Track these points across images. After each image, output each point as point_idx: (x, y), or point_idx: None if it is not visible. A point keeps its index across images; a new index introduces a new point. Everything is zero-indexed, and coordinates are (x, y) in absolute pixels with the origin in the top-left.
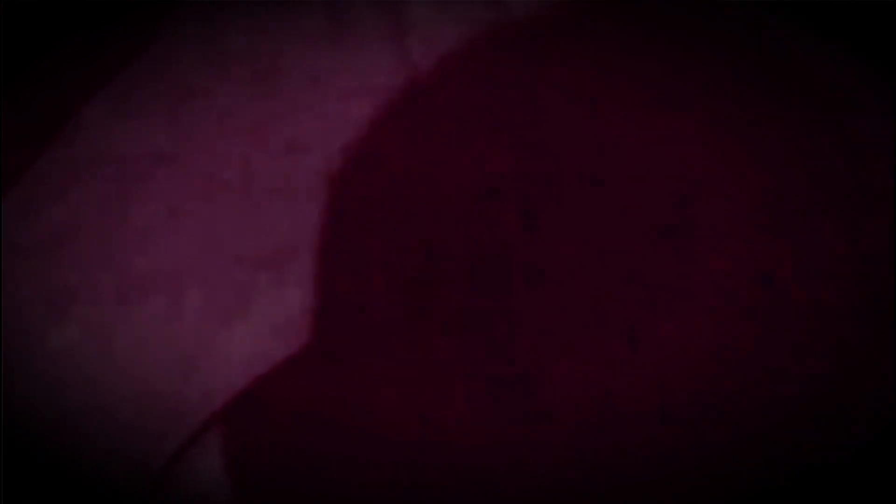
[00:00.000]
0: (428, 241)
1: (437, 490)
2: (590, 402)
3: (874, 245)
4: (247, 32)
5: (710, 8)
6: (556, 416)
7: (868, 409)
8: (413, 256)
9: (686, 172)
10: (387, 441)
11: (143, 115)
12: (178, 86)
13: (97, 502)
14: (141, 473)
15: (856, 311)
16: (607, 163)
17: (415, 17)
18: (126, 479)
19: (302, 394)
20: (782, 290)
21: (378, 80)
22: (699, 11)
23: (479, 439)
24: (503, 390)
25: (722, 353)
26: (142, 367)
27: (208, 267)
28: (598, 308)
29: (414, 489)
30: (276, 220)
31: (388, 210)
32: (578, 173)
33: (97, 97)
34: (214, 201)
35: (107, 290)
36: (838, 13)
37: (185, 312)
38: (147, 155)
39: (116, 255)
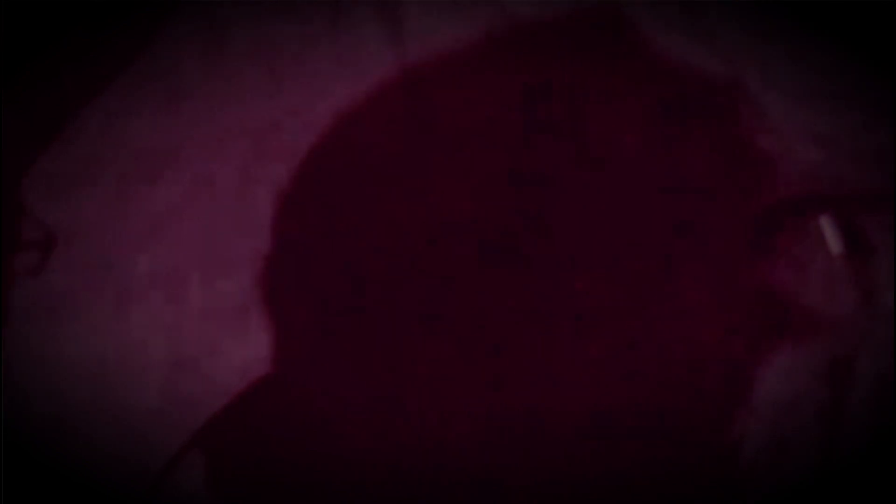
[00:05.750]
0: (425, 243)
1: (432, 494)
2: (583, 408)
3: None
4: (247, 33)
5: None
6: (549, 421)
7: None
8: (410, 260)
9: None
10: (385, 445)
11: (144, 116)
12: (179, 87)
13: (95, 502)
14: (139, 474)
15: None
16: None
17: (413, 18)
18: (124, 480)
19: (293, 400)
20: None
21: (377, 81)
22: (688, 13)
23: (474, 444)
24: (495, 395)
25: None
26: (142, 368)
27: (208, 267)
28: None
29: (401, 492)
30: (274, 222)
31: (389, 211)
32: (572, 176)
33: (97, 98)
34: (213, 203)
35: (107, 290)
36: (837, 13)
37: (184, 314)
38: (147, 155)
39: (116, 255)
